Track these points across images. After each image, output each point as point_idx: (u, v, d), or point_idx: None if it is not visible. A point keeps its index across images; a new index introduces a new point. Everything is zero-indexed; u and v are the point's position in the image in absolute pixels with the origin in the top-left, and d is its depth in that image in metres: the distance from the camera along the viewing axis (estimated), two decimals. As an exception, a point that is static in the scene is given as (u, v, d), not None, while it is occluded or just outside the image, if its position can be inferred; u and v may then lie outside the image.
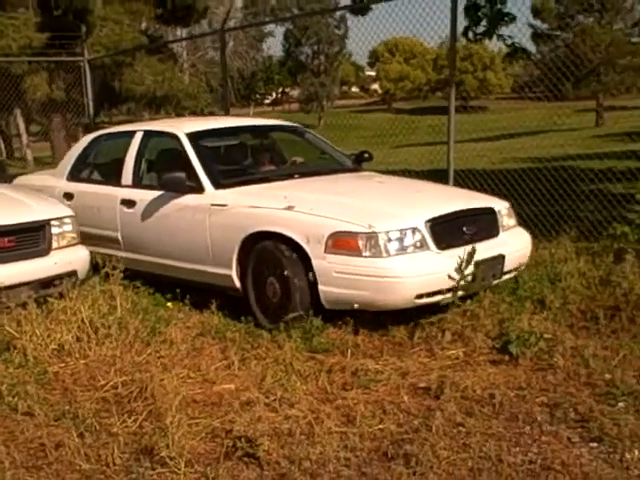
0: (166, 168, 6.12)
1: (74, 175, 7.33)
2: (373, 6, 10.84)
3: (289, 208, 5.32)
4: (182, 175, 5.88)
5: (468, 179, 7.50)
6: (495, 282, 5.35)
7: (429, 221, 5.11)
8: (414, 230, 5.03)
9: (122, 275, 5.60)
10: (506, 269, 5.38)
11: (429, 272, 4.95)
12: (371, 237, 4.93)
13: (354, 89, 71.87)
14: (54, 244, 5.80)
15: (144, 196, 6.34)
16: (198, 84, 28.22)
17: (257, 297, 5.48)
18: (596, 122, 33.87)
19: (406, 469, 3.29)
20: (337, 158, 7.05)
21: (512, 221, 5.80)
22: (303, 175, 6.35)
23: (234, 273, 5.60)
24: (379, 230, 4.95)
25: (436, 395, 4.05)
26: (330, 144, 7.26)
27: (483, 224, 5.45)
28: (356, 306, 5.03)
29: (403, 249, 4.98)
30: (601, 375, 4.11)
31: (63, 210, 6.10)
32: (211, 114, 22.96)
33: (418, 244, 5.03)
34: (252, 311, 5.47)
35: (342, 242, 5.00)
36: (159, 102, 22.15)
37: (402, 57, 58.03)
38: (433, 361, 4.58)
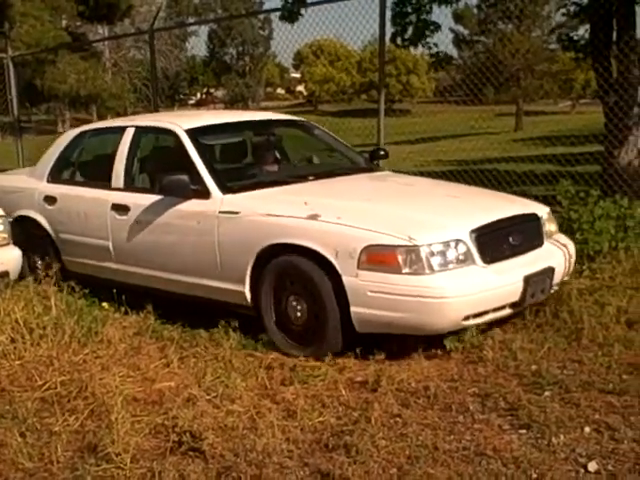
0: (163, 169, 5.49)
1: (56, 176, 6.67)
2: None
3: (313, 217, 4.74)
4: (185, 178, 5.26)
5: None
6: (543, 298, 4.95)
7: (474, 231, 4.59)
8: (458, 242, 4.51)
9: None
10: (554, 282, 4.95)
11: (477, 290, 4.45)
12: (412, 251, 4.38)
13: (279, 91, 71.93)
14: (-15, 244, 5.72)
15: (139, 201, 5.70)
16: (122, 84, 27.83)
17: (276, 318, 4.97)
18: (515, 126, 34.84)
19: (347, 458, 3.40)
20: (350, 156, 6.47)
21: (554, 227, 5.35)
22: (318, 177, 5.76)
23: (247, 289, 5.03)
24: (421, 243, 4.40)
25: (373, 388, 4.18)
26: (342, 141, 6.72)
27: (528, 233, 4.97)
28: (395, 330, 4.56)
29: (447, 264, 4.45)
30: (528, 366, 4.31)
31: (-7, 210, 5.99)
32: (135, 115, 22.73)
33: (462, 258, 4.51)
34: (267, 332, 4.97)
35: (378, 257, 4.43)
36: (83, 101, 21.78)
37: (327, 60, 58.39)
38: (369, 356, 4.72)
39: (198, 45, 66.20)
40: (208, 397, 4.07)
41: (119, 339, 5.00)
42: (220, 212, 5.16)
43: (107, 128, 7.06)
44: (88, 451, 3.61)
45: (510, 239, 4.77)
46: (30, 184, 6.80)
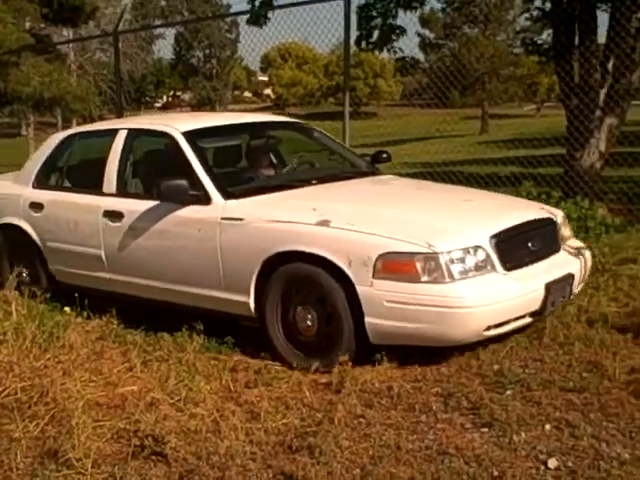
0: (159, 174, 5.23)
1: (42, 181, 6.35)
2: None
3: (323, 223, 4.53)
4: (184, 183, 5.01)
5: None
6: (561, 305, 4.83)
7: (494, 237, 4.42)
8: (477, 248, 4.33)
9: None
10: (574, 289, 4.82)
11: (499, 298, 4.28)
12: (431, 258, 4.19)
13: (247, 94, 71.86)
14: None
15: (133, 207, 5.44)
16: (87, 86, 27.54)
17: (283, 329, 4.75)
18: (481, 129, 35.21)
19: (310, 460, 3.40)
20: (351, 159, 6.31)
21: (568, 231, 5.21)
22: (321, 180, 5.52)
23: (251, 300, 4.81)
24: (440, 250, 4.21)
25: (337, 390, 4.18)
26: (342, 144, 6.58)
27: (546, 238, 4.82)
28: (412, 342, 4.39)
29: (467, 272, 4.26)
30: (490, 366, 4.34)
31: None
32: (101, 118, 22.55)
33: (482, 265, 4.32)
34: (273, 343, 4.78)
35: (395, 265, 4.23)
36: (47, 104, 21.51)
37: (294, 63, 58.50)
38: (333, 358, 4.72)
39: (165, 48, 65.82)
40: (171, 401, 4.04)
41: (81, 344, 4.91)
42: (222, 218, 4.94)
43: (97, 131, 6.76)
44: (48, 457, 3.56)
45: (529, 245, 4.62)
46: (14, 190, 6.50)
